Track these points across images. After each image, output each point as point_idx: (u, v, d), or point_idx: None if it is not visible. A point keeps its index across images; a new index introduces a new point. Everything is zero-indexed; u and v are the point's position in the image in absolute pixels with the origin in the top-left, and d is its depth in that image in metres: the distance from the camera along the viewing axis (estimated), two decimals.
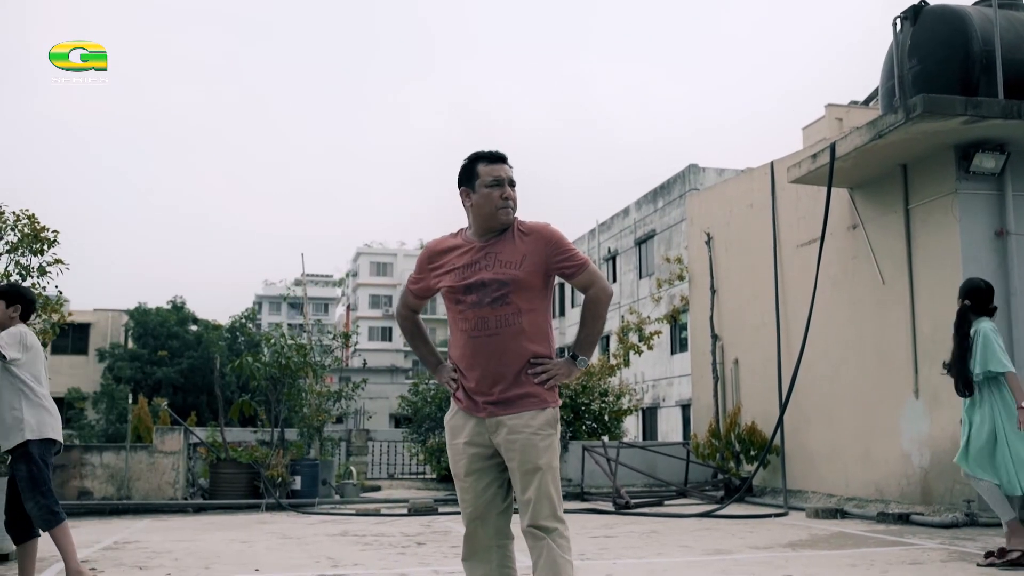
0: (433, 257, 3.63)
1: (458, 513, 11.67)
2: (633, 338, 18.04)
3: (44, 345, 9.18)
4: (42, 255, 8.97)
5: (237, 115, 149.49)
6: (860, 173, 10.36)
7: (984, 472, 6.28)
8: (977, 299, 6.57)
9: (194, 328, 41.43)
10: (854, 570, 6.23)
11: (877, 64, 10.88)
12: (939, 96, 8.69)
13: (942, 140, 9.22)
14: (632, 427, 31.72)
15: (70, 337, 37.98)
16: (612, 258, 42.84)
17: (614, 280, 42.39)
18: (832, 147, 10.01)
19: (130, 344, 40.23)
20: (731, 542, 7.92)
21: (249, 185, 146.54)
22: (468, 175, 3.56)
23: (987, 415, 6.31)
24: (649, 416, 35.50)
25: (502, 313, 3.44)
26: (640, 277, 39.61)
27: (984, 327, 6.41)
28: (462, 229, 3.65)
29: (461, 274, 3.52)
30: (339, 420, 16.93)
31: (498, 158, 3.57)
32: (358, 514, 10.95)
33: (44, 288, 9.00)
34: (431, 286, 3.65)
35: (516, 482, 3.42)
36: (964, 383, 6.52)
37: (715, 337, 13.96)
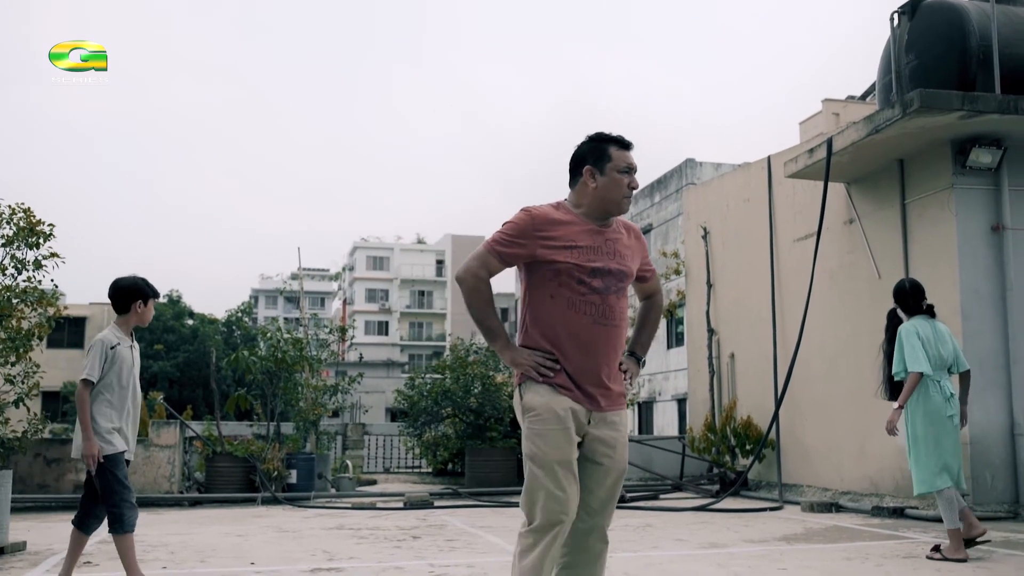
0: (543, 225, 3.32)
1: (454, 507, 11.56)
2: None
3: (40, 339, 9.16)
4: (38, 248, 8.93)
5: (233, 110, 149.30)
6: (857, 168, 10.37)
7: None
8: (901, 301, 6.71)
9: (190, 322, 41.45)
10: (849, 564, 6.25)
11: (874, 59, 10.88)
12: (936, 91, 8.69)
13: (939, 135, 9.22)
14: (628, 421, 31.71)
15: (66, 331, 37.91)
16: None
17: None
18: (829, 142, 10.01)
19: None
20: (726, 536, 7.94)
21: (245, 179, 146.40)
22: (598, 155, 3.39)
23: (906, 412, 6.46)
24: (645, 410, 35.52)
25: (621, 306, 3.37)
26: None
27: (902, 328, 6.51)
28: (561, 203, 3.43)
29: (587, 254, 3.31)
30: (335, 414, 16.92)
31: (630, 145, 3.45)
32: (354, 508, 10.96)
33: (40, 282, 8.97)
34: (533, 254, 3.31)
35: (599, 480, 3.30)
36: (889, 387, 6.66)
37: (711, 331, 13.97)
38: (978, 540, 6.34)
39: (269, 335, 13.38)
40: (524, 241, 3.30)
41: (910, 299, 6.68)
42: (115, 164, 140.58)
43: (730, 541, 7.56)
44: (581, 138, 3.50)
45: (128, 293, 5.31)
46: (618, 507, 10.44)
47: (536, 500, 3.19)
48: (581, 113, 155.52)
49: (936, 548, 6.35)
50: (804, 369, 10.98)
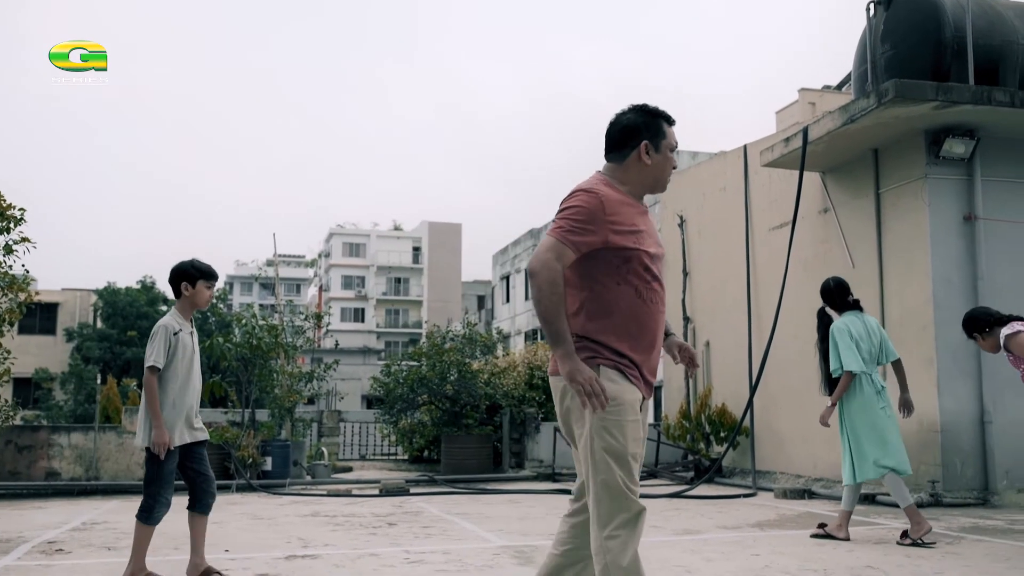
0: (612, 207, 3.07)
1: (430, 494, 11.55)
2: None
3: (11, 325, 9.07)
4: (8, 233, 8.84)
5: (211, 92, 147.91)
6: (832, 157, 10.43)
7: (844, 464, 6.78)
8: (829, 300, 6.99)
9: (164, 308, 41.07)
10: (821, 549, 6.31)
11: (851, 49, 10.95)
12: (911, 81, 8.75)
13: (913, 125, 9.29)
14: None
15: (37, 317, 37.58)
16: None
17: None
18: (805, 131, 10.06)
19: (99, 324, 39.86)
20: (700, 522, 7.99)
21: (222, 163, 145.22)
22: (656, 131, 3.19)
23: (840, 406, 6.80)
24: None
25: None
26: None
27: (834, 326, 6.80)
28: (608, 180, 3.20)
29: (646, 239, 3.13)
30: (311, 401, 16.88)
31: (675, 122, 3.27)
32: (329, 495, 10.94)
33: (11, 267, 8.88)
34: (605, 241, 3.06)
35: None
36: (827, 382, 6.96)
37: (687, 320, 14.03)
38: (839, 537, 6.62)
39: (244, 322, 13.28)
40: (595, 228, 3.04)
41: (836, 297, 6.93)
42: (89, 147, 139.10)
43: (704, 527, 7.61)
44: (622, 108, 3.30)
45: (176, 276, 5.25)
46: None
47: (617, 496, 3.02)
48: (557, 102, 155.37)
49: (904, 533, 6.46)
50: (778, 357, 11.05)
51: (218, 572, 5.23)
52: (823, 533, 6.76)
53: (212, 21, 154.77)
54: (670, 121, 3.26)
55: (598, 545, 3.02)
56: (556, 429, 13.36)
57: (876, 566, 5.61)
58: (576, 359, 3.00)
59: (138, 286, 41.18)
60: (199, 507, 5.22)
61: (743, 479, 11.86)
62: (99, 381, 16.92)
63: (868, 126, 9.33)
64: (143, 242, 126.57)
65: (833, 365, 6.73)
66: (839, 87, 19.51)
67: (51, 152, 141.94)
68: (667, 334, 3.47)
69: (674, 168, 3.27)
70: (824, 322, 6.99)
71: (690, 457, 13.05)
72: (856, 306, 6.90)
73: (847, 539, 6.61)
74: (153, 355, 5.05)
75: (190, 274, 5.23)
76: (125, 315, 39.09)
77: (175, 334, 5.14)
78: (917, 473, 9.24)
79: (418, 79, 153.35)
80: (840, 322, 6.79)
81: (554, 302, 3.00)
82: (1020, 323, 5.94)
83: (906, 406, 6.93)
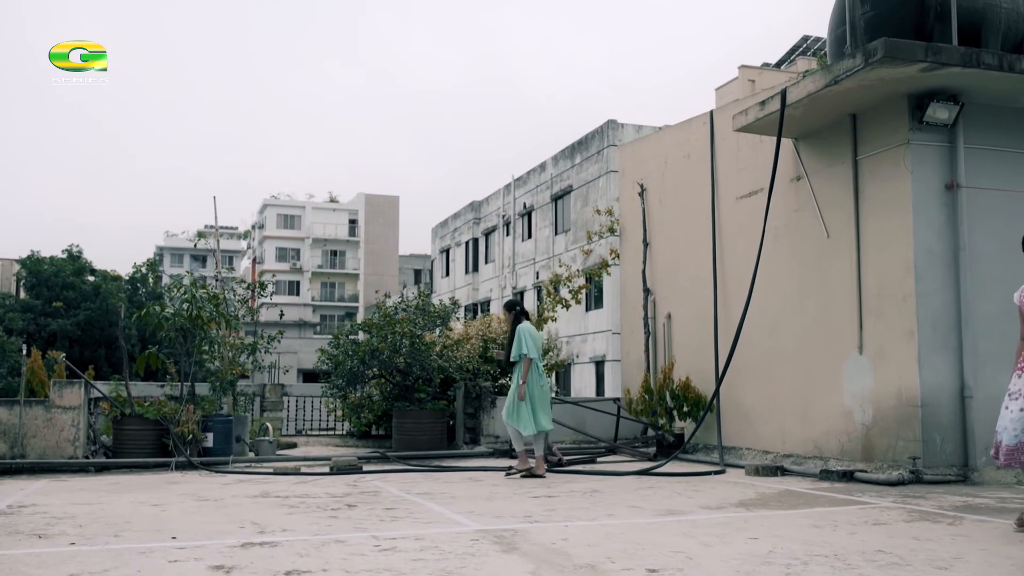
0: None
1: (384, 472, 10.95)
2: (564, 292, 17.78)
3: None
4: None
5: (143, 56, 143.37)
6: (807, 122, 10.03)
7: (510, 420, 9.68)
8: (522, 312, 10.02)
9: (91, 279, 39.56)
10: (819, 531, 5.91)
11: (790, 29, 10.57)
12: (901, 40, 8.36)
13: (896, 88, 8.92)
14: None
15: None
16: (528, 213, 42.43)
17: (529, 236, 42.03)
18: (783, 93, 9.63)
19: (22, 294, 38.19)
20: (680, 501, 7.58)
21: (150, 130, 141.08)
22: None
23: (515, 382, 9.77)
24: (563, 372, 35.40)
25: None
26: (556, 233, 39.35)
27: (520, 327, 9.75)
28: None
29: None
30: (243, 375, 16.11)
31: None
32: (276, 473, 10.29)
33: None
34: None
35: None
36: (507, 363, 10.26)
37: (647, 291, 13.62)
38: (539, 474, 9.51)
39: (184, 290, 12.40)
40: None
41: (521, 311, 10.02)
42: (10, 110, 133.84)
43: (687, 508, 7.19)
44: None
45: None
46: (557, 471, 10.06)
47: None
48: (495, 76, 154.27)
49: (511, 468, 9.82)
50: (746, 329, 10.65)
51: None
52: (528, 474, 9.50)
53: None
54: None
55: None
56: None
57: (887, 550, 5.21)
58: None
59: (63, 255, 39.48)
60: None
61: (707, 455, 11.51)
62: (23, 353, 15.91)
63: (851, 88, 8.93)
64: (68, 210, 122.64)
65: (514, 354, 9.66)
66: (778, 65, 19.33)
67: None
68: None
69: None
70: (515, 324, 9.82)
71: (651, 432, 12.66)
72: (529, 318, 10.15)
73: (543, 476, 9.51)
74: None
75: None
76: (50, 285, 37.46)
77: None
78: (894, 449, 8.97)
79: (356, 48, 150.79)
80: (525, 325, 9.77)
81: None
82: None
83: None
